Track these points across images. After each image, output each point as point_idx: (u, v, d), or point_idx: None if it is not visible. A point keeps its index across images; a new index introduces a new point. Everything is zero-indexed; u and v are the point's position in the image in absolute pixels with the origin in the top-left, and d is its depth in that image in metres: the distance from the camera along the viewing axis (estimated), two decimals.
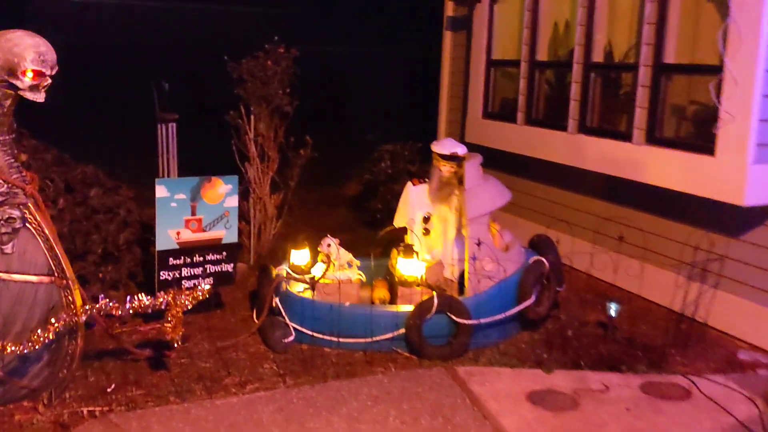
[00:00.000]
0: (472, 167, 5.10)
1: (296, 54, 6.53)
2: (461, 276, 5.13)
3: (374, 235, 7.78)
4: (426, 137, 8.70)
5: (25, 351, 3.68)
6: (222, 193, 5.03)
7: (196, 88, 10.21)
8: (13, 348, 3.54)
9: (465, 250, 4.95)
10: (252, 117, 6.46)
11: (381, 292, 5.36)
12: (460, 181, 5.21)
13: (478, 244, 4.82)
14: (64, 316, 3.78)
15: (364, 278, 5.37)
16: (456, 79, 8.61)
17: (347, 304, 4.85)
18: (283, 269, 5.33)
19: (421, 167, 8.15)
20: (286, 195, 6.79)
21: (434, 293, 4.78)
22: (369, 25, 17.17)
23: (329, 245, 5.23)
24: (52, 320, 3.73)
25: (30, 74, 3.70)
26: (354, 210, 8.90)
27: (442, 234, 5.36)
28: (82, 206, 5.10)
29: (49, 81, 3.80)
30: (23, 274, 3.87)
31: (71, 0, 16.91)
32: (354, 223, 8.43)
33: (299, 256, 5.37)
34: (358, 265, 5.38)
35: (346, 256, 5.32)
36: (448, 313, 4.72)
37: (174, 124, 6.17)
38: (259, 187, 6.61)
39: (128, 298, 3.95)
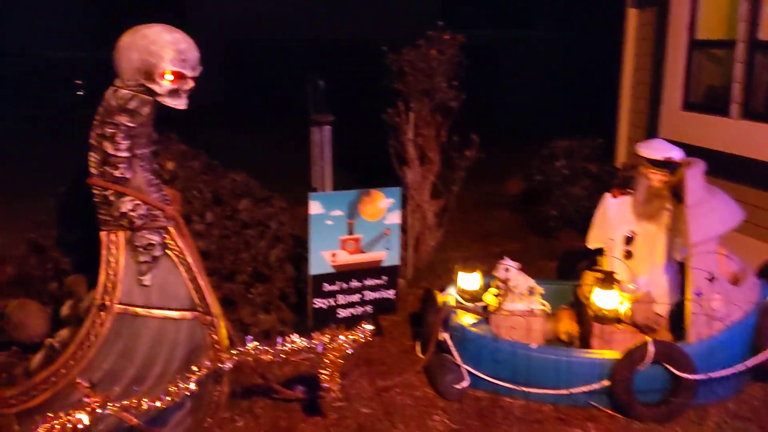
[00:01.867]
0: (694, 177, 4.03)
1: (462, 41, 5.70)
2: (675, 313, 4.10)
3: (548, 245, 6.87)
4: (602, 132, 7.61)
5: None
6: (383, 207, 4.31)
7: (350, 83, 9.65)
8: (150, 403, 3.00)
9: (686, 283, 3.90)
10: (411, 114, 5.71)
11: (568, 325, 4.45)
12: (674, 193, 4.17)
13: (711, 279, 3.77)
14: (208, 363, 3.21)
15: (549, 309, 4.47)
16: (642, 63, 7.40)
17: (534, 345, 3.98)
18: (450, 295, 4.54)
19: (601, 167, 7.08)
20: (447, 201, 5.99)
21: (647, 338, 3.80)
22: (535, 5, 15.94)
23: (507, 270, 4.38)
24: (194, 368, 3.17)
25: (169, 77, 3.14)
26: (519, 213, 7.95)
27: (649, 258, 4.33)
28: (231, 220, 4.57)
29: (192, 84, 3.22)
30: (163, 309, 3.35)
31: None
32: (521, 229, 7.49)
33: (469, 280, 4.56)
34: (542, 293, 4.49)
35: (527, 282, 4.44)
36: (667, 365, 3.72)
37: (329, 127, 5.53)
38: (418, 193, 5.86)
39: (279, 340, 3.33)
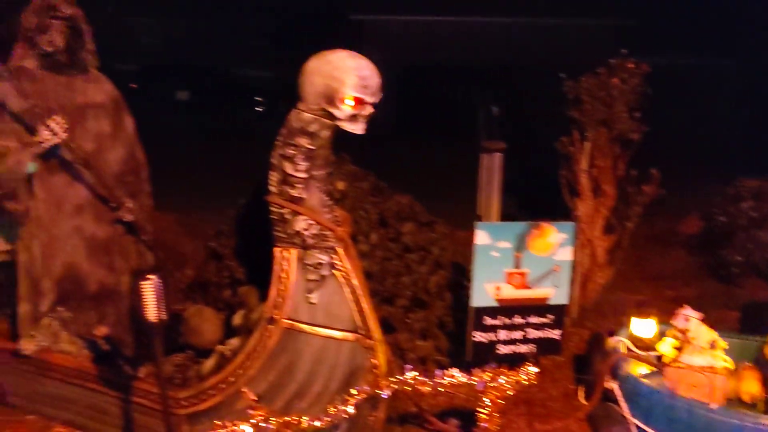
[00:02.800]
0: None
1: (647, 70, 5.38)
2: None
3: (729, 293, 6.28)
4: None
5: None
6: (553, 242, 4.11)
7: (522, 109, 9.49)
8: (309, 422, 3.04)
9: None
10: (587, 144, 5.45)
11: (752, 386, 4.00)
12: None
13: None
14: (366, 388, 3.20)
15: (731, 366, 4.05)
16: None
17: (715, 406, 3.61)
18: (620, 341, 4.24)
19: None
20: (620, 238, 5.64)
21: None
22: (716, 33, 14.92)
23: (687, 320, 4.02)
24: (353, 391, 3.18)
25: (350, 102, 3.19)
26: (696, 255, 7.34)
27: None
28: (394, 242, 4.59)
29: (371, 110, 3.26)
30: (327, 328, 3.39)
31: (397, 19, 17.44)
32: (698, 273, 6.91)
33: (643, 326, 4.24)
34: (724, 348, 4.07)
35: (709, 335, 4.05)
36: None
37: (499, 154, 5.42)
38: (590, 228, 5.57)
39: (439, 372, 3.26)
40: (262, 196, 3.46)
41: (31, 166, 3.89)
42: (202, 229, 6.61)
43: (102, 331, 3.90)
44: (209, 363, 3.57)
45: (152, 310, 2.68)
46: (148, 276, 2.68)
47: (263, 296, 3.70)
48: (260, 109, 18.76)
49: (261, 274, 4.08)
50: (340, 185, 4.63)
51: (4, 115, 3.90)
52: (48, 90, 3.96)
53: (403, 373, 3.24)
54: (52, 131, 3.74)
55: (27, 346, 3.87)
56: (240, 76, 19.91)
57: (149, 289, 2.67)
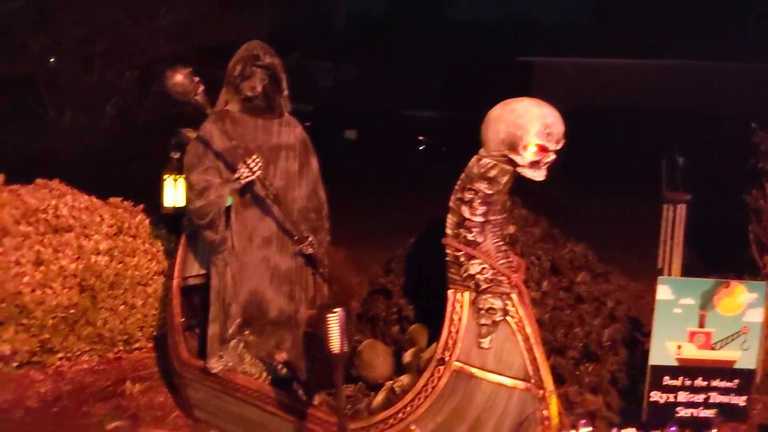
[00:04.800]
0: None
1: None
2: None
3: None
4: None
5: None
6: (742, 302, 3.84)
7: (709, 158, 8.98)
8: None
9: None
10: None
11: None
12: None
13: None
14: None
15: None
16: None
17: None
18: None
19: None
20: None
21: None
22: None
23: None
24: None
25: (533, 149, 3.21)
26: None
27: None
28: (566, 292, 4.49)
29: (553, 157, 3.25)
30: (498, 374, 3.38)
31: (571, 61, 17.22)
32: None
33: None
34: None
35: None
36: None
37: (684, 206, 5.17)
38: None
39: (614, 430, 3.13)
40: (431, 236, 3.54)
41: (229, 200, 4.26)
42: (366, 264, 6.85)
43: (282, 356, 4.14)
44: (379, 397, 3.67)
45: (336, 342, 2.81)
46: (335, 309, 2.83)
47: (432, 335, 3.76)
48: (428, 150, 19.15)
49: (429, 313, 4.16)
50: (511, 229, 4.62)
51: (208, 153, 4.30)
52: (247, 131, 4.33)
53: (576, 428, 3.15)
54: (250, 169, 4.08)
55: (215, 365, 4.19)
56: (408, 117, 20.49)
57: (335, 321, 2.81)
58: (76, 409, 4.64)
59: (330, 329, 2.81)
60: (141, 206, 6.04)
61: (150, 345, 5.55)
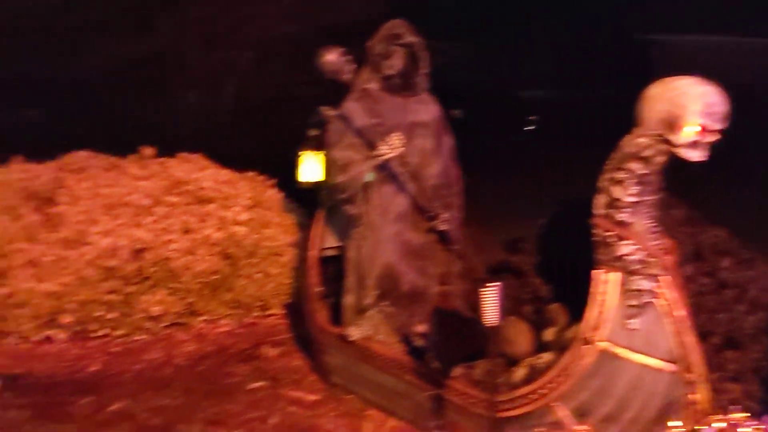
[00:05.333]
0: None
1: None
2: None
3: None
4: None
5: None
6: None
7: None
8: None
9: None
10: None
11: None
12: None
13: None
14: (683, 422, 3.11)
15: None
16: None
17: None
18: None
19: None
20: None
21: None
22: None
23: None
24: (671, 423, 3.10)
25: (693, 129, 3.13)
26: None
27: None
28: (709, 277, 4.38)
29: (715, 137, 3.16)
30: (645, 355, 3.35)
31: (705, 39, 16.28)
32: None
33: None
34: None
35: None
36: None
37: None
38: None
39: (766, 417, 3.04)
40: (565, 216, 3.53)
41: (369, 176, 4.39)
42: (487, 242, 6.85)
43: (419, 328, 4.26)
44: (520, 373, 3.72)
45: (492, 315, 2.88)
46: (492, 283, 2.89)
47: (574, 315, 3.76)
48: (530, 128, 18.67)
49: (565, 293, 4.15)
50: None
51: (350, 130, 4.44)
52: (386, 109, 4.43)
53: (726, 413, 3.09)
54: (391, 146, 4.18)
55: (353, 333, 4.36)
56: (519, 96, 20.03)
57: (491, 295, 2.87)
58: (219, 369, 4.94)
59: (486, 303, 2.88)
60: (273, 181, 6.29)
61: (283, 312, 5.80)
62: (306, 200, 6.17)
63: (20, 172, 5.58)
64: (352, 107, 4.43)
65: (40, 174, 5.57)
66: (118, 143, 6.25)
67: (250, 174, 6.21)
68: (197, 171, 5.87)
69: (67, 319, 5.08)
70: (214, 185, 5.78)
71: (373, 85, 4.47)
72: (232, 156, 6.31)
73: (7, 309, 5.03)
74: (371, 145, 4.32)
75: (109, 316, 5.15)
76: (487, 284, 2.89)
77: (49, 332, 5.14)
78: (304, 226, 6.03)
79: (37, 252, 5.08)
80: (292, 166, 6.18)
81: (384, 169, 4.40)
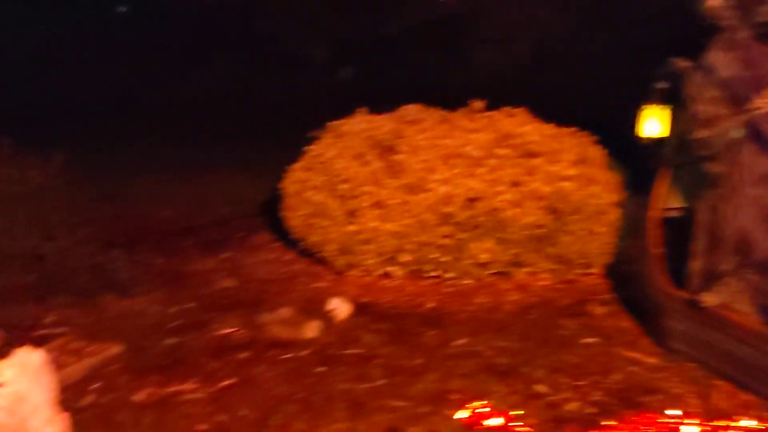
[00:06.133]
0: None
1: None
2: None
3: None
4: None
5: None
6: None
7: None
8: None
9: None
10: None
11: None
12: None
13: None
14: None
15: None
16: None
17: None
18: None
19: None
20: None
21: None
22: None
23: None
24: None
25: None
26: None
27: None
28: None
29: None
30: None
31: None
32: None
33: None
34: None
35: None
36: None
37: None
38: None
39: None
40: None
41: (737, 132, 4.08)
42: None
43: None
44: None
45: None
46: None
47: None
48: None
49: None
50: None
51: (713, 82, 4.16)
52: (760, 60, 4.07)
53: None
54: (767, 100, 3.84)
55: (708, 299, 4.14)
56: None
57: None
58: (548, 320, 5.01)
59: None
60: (595, 137, 6.15)
61: (603, 272, 5.71)
62: (629, 158, 5.98)
63: (365, 122, 6.08)
64: (718, 57, 4.16)
65: (381, 125, 6.02)
66: (437, 98, 6.53)
67: (572, 129, 6.14)
68: (523, 125, 5.94)
69: (406, 257, 5.50)
70: (540, 139, 5.81)
71: (741, 33, 4.13)
72: (550, 112, 6.28)
73: (356, 244, 5.57)
74: (739, 99, 4.02)
75: (443, 259, 5.47)
76: None
77: (389, 268, 5.61)
78: (629, 185, 5.87)
79: (382, 195, 5.53)
80: (614, 122, 6.02)
81: (752, 125, 4.07)
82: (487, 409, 2.47)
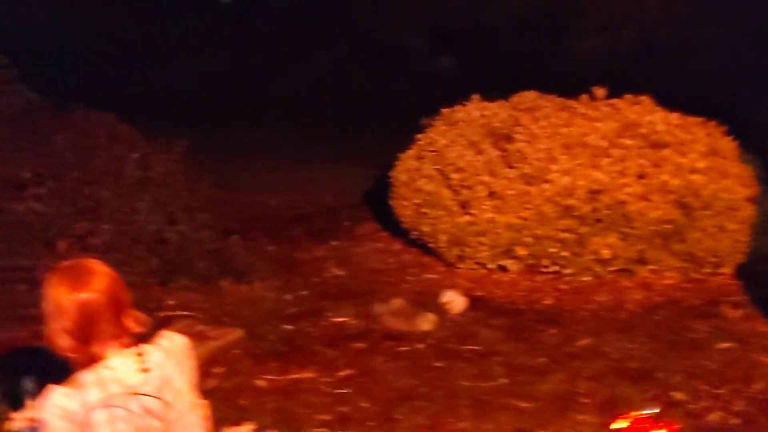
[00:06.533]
0: None
1: None
2: None
3: None
4: None
5: None
6: None
7: None
8: None
9: None
10: None
11: None
12: None
13: None
14: None
15: None
16: None
17: None
18: None
19: None
20: None
21: None
22: None
23: None
24: None
25: None
26: None
27: None
28: None
29: None
30: None
31: None
32: None
33: None
34: None
35: None
36: None
37: None
38: None
39: None
40: None
41: None
42: None
43: None
44: None
45: None
46: None
47: None
48: None
49: None
50: None
51: None
52: None
53: None
54: None
55: None
56: None
57: None
58: (676, 322, 4.72)
59: None
60: (725, 128, 5.76)
61: (733, 272, 5.35)
62: (762, 150, 5.58)
63: (479, 110, 5.91)
64: None
65: (496, 112, 5.83)
66: (546, 86, 6.26)
67: (700, 119, 5.77)
68: (649, 114, 5.62)
69: (522, 251, 5.31)
70: (667, 129, 5.49)
71: None
72: (670, 101, 5.92)
73: (469, 236, 5.41)
74: None
75: (562, 253, 5.24)
76: None
77: (504, 262, 5.43)
78: (763, 179, 5.48)
79: (498, 185, 5.35)
80: (743, 111, 5.59)
81: None
82: (645, 419, 2.26)
